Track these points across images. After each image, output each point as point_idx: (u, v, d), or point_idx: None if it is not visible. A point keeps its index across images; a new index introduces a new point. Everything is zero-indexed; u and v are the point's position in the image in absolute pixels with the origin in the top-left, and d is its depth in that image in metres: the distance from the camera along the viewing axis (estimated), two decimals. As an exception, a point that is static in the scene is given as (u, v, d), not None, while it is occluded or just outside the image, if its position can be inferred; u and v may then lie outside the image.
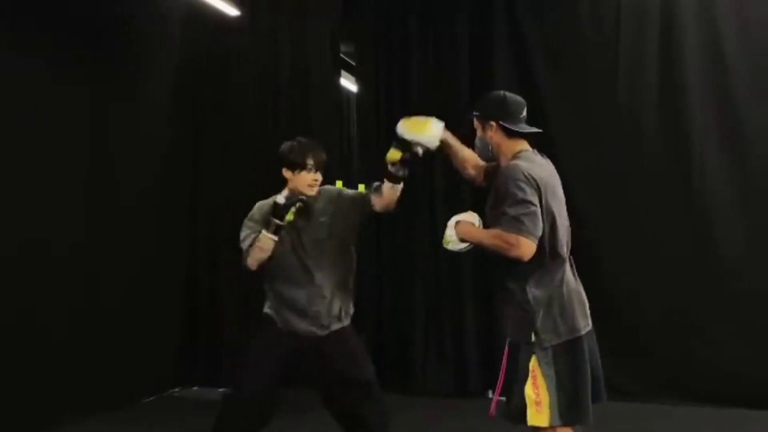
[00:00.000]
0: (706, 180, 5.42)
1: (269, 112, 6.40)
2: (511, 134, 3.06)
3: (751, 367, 5.20)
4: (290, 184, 3.54)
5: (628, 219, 5.56)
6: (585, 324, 2.99)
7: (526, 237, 2.84)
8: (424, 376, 5.97)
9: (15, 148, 4.79)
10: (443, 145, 3.31)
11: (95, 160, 5.45)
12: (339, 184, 3.80)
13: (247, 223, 3.59)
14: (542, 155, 3.13)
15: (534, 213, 2.86)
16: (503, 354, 3.08)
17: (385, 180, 3.41)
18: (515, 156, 3.03)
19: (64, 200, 5.17)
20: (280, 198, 3.45)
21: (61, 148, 5.14)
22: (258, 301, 3.72)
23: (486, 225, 3.04)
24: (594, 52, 5.69)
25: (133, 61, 5.77)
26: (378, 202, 3.47)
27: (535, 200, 2.88)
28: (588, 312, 3.04)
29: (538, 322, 2.91)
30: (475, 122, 3.15)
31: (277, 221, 3.41)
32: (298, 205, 3.44)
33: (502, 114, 3.06)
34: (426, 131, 3.27)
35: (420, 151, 3.31)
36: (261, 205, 3.62)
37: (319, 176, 3.53)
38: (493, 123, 3.07)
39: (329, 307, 3.54)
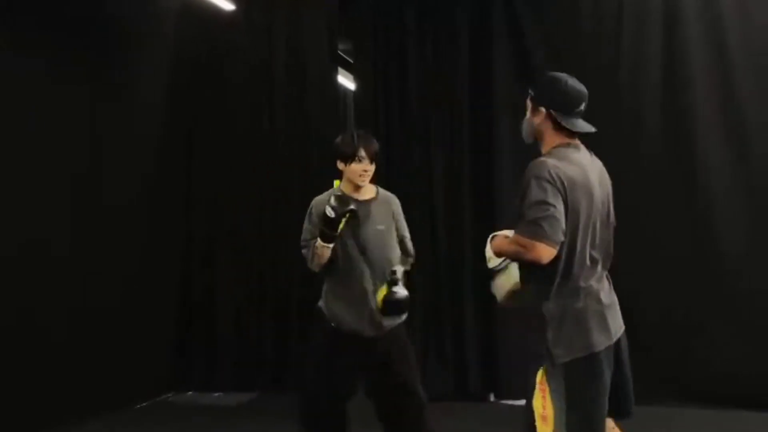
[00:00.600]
0: (708, 178, 5.38)
1: (265, 108, 6.32)
2: (559, 127, 2.83)
3: (751, 367, 5.18)
4: (344, 175, 3.71)
5: (628, 218, 5.48)
6: (606, 338, 2.80)
7: (542, 241, 2.63)
8: (424, 377, 5.89)
9: (14, 148, 4.80)
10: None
11: (92, 159, 5.43)
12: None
13: (307, 226, 3.69)
14: (589, 152, 2.92)
15: (553, 216, 2.63)
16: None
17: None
18: (551, 150, 2.82)
19: (64, 200, 5.17)
20: (329, 210, 3.49)
21: (61, 147, 5.13)
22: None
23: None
24: (595, 48, 5.64)
25: (128, 58, 5.73)
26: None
27: (557, 201, 2.65)
28: (610, 325, 2.85)
29: (550, 337, 2.75)
30: (528, 101, 2.91)
31: (330, 232, 3.50)
32: (348, 216, 3.52)
33: (556, 103, 2.82)
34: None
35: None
36: (318, 203, 3.68)
37: (370, 166, 3.66)
38: (542, 109, 2.83)
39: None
